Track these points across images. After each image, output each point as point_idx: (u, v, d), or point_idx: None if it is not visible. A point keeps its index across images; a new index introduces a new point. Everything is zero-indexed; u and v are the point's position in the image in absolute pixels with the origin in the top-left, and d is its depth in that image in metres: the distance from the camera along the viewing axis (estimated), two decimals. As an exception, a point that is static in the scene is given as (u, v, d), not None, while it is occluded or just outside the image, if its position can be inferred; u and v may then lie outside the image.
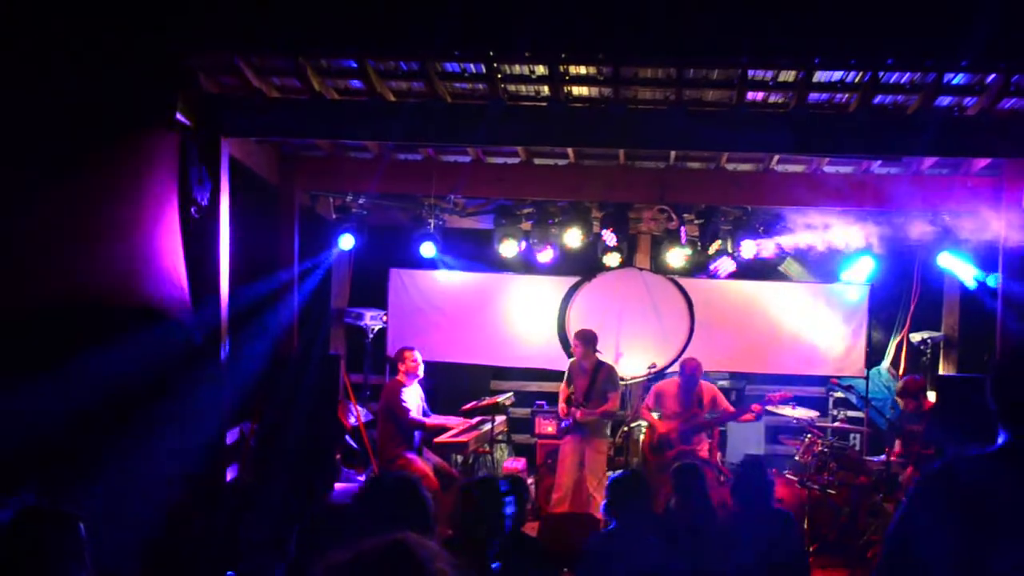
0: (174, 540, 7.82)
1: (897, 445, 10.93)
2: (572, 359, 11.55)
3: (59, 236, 7.65)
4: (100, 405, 7.40)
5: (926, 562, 3.49)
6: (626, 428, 12.14)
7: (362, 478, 11.37)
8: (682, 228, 11.92)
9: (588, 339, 11.27)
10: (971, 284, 11.71)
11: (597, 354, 11.31)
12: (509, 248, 12.47)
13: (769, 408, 11.43)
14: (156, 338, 8.31)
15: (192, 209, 8.97)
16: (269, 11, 8.02)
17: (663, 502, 10.54)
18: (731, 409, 11.39)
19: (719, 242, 12.18)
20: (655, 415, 11.23)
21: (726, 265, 12.30)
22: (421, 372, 11.13)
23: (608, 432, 11.47)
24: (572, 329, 12.96)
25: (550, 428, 12.21)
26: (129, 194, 8.40)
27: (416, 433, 10.85)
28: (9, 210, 7.18)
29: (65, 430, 7.02)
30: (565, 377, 11.55)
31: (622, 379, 12.53)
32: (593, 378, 11.17)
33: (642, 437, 11.44)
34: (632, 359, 12.94)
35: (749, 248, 11.88)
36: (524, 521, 7.21)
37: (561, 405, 11.31)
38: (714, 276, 12.93)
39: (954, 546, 3.38)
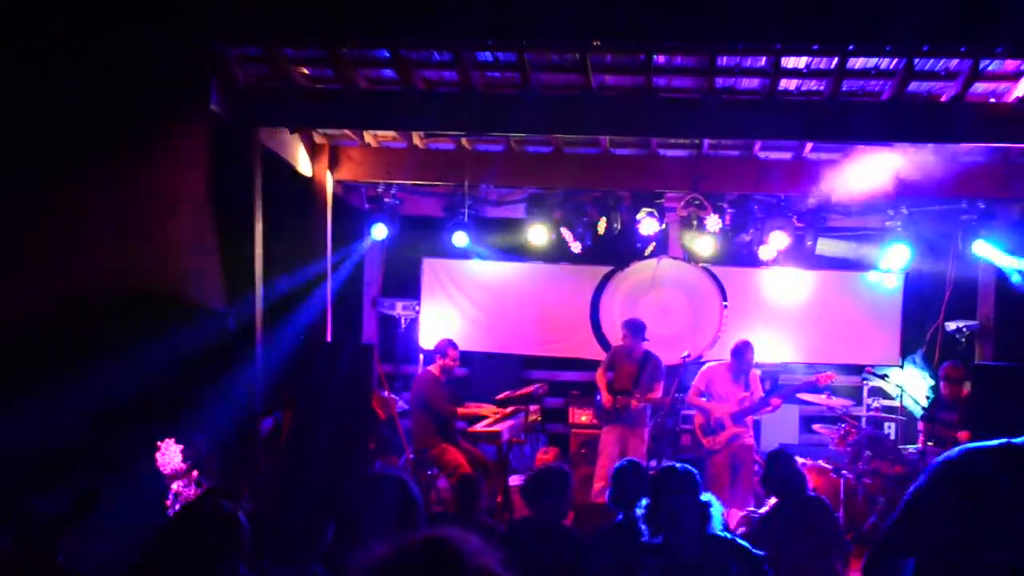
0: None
1: (923, 430, 10.86)
2: (615, 346, 11.56)
3: (93, 228, 7.70)
4: (135, 395, 7.46)
5: (925, 543, 3.48)
6: (659, 417, 12.10)
7: (399, 465, 11.40)
8: (714, 216, 11.86)
9: (637, 328, 11.28)
10: (1008, 272, 11.63)
11: (645, 343, 11.30)
12: (541, 237, 12.45)
13: (806, 394, 11.36)
14: (190, 327, 8.37)
15: (227, 199, 9.01)
16: (302, 1, 8.04)
17: (724, 484, 10.58)
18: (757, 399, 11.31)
19: (752, 230, 12.12)
20: (704, 399, 11.16)
21: (764, 253, 12.24)
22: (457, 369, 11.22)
23: (648, 420, 11.44)
24: (605, 318, 12.96)
25: (584, 417, 12.18)
26: (163, 184, 8.45)
27: (450, 422, 10.85)
28: (45, 204, 7.24)
29: (99, 421, 7.09)
30: (605, 363, 11.53)
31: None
32: (641, 366, 11.17)
33: (694, 417, 11.36)
34: (665, 347, 12.90)
35: (781, 239, 11.81)
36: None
37: (605, 395, 11.25)
38: (747, 264, 12.90)
39: (954, 532, 3.38)
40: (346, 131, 10.98)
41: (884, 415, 12.22)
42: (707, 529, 5.12)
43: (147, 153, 8.25)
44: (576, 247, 12.55)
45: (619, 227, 12.35)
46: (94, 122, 7.59)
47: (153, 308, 8.07)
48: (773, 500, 7.39)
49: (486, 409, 11.18)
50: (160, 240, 8.44)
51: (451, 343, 11.18)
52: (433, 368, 10.99)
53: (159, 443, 7.53)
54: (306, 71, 9.44)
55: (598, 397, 11.44)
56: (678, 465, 5.39)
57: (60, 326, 7.25)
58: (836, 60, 8.57)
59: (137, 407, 7.65)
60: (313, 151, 11.19)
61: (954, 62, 8.63)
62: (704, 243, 12.52)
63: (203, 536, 4.14)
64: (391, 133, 11.14)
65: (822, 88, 9.16)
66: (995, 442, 3.47)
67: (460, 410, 10.95)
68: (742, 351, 11.11)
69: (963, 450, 3.51)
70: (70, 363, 7.04)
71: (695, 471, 5.32)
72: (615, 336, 12.60)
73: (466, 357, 12.93)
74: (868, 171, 10.56)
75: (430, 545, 2.52)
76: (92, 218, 7.72)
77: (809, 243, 12.18)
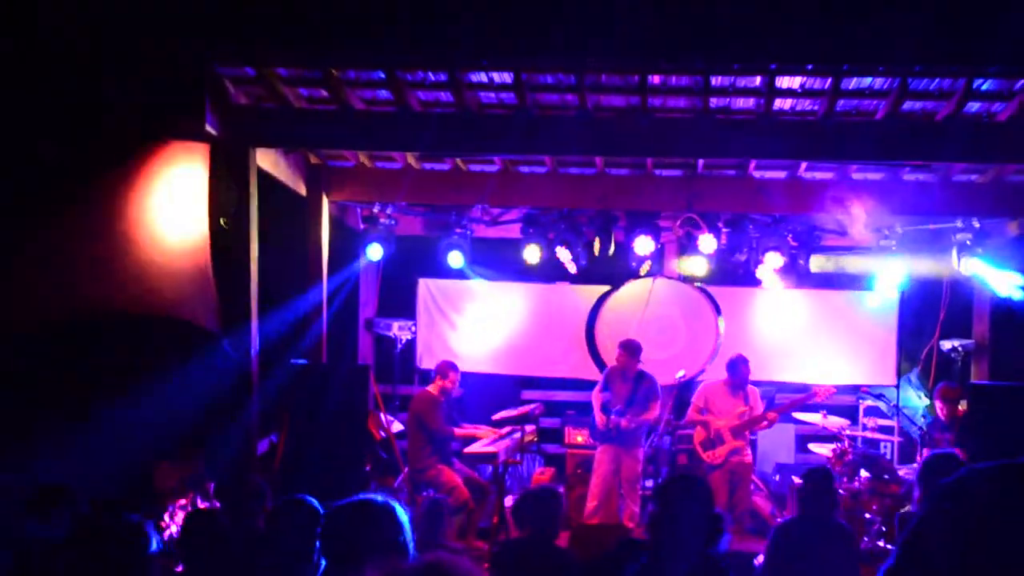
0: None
1: (925, 453, 10.83)
2: (610, 366, 11.56)
3: (85, 250, 7.70)
4: (130, 417, 7.46)
5: (932, 572, 3.45)
6: (655, 436, 12.09)
7: (395, 486, 11.37)
8: (709, 235, 11.87)
9: (633, 349, 11.28)
10: (1002, 291, 11.63)
11: (639, 364, 11.31)
12: (536, 257, 12.46)
13: (802, 413, 11.36)
14: (185, 348, 8.37)
15: (221, 220, 9.01)
16: (298, 22, 8.06)
17: (723, 500, 10.55)
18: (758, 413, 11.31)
19: (747, 250, 12.13)
20: (702, 415, 11.16)
21: (759, 272, 12.26)
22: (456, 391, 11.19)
23: (643, 441, 11.43)
24: (601, 338, 12.95)
25: (580, 438, 12.17)
26: (158, 205, 8.46)
27: (447, 443, 10.83)
28: (37, 226, 7.24)
29: (95, 443, 7.08)
30: (600, 384, 11.52)
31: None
32: (635, 387, 11.17)
33: (694, 434, 11.35)
34: (661, 367, 12.90)
35: (776, 258, 11.83)
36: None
37: (599, 415, 11.25)
38: (742, 283, 12.93)
39: (961, 559, 3.34)
40: (341, 152, 10.99)
41: (880, 435, 12.19)
42: (710, 548, 4.77)
43: (142, 174, 8.26)
44: (571, 267, 12.56)
45: (614, 247, 12.36)
46: (89, 143, 7.60)
47: (148, 330, 8.07)
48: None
49: (482, 431, 11.14)
50: (155, 262, 8.44)
51: (452, 365, 11.15)
52: (432, 388, 10.95)
53: (158, 463, 7.52)
54: (301, 92, 9.45)
55: (593, 417, 11.44)
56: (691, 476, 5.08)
57: (51, 349, 7.25)
58: (830, 80, 8.60)
59: (133, 429, 7.65)
60: (308, 171, 11.21)
61: (948, 81, 8.66)
62: (699, 263, 12.53)
63: (104, 550, 4.10)
64: (386, 153, 11.16)
65: (816, 108, 9.18)
66: (994, 463, 3.43)
67: (457, 431, 10.91)
68: (736, 364, 11.16)
69: (961, 473, 3.47)
70: (63, 386, 7.04)
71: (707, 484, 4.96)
72: (611, 356, 12.59)
73: (462, 377, 12.94)
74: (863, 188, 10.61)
75: (425, 569, 2.52)
76: (85, 240, 7.72)
77: (803, 262, 12.19)
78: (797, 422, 11.97)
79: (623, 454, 11.06)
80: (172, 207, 8.66)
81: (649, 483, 11.10)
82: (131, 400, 7.54)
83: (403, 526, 4.16)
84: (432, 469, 10.55)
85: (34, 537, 4.99)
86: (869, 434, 12.00)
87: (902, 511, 10.16)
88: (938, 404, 10.94)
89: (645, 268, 12.71)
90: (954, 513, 3.35)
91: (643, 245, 12.00)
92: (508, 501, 10.97)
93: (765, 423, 11.16)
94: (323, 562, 4.28)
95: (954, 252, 11.80)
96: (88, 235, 7.71)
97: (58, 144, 7.41)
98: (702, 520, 4.68)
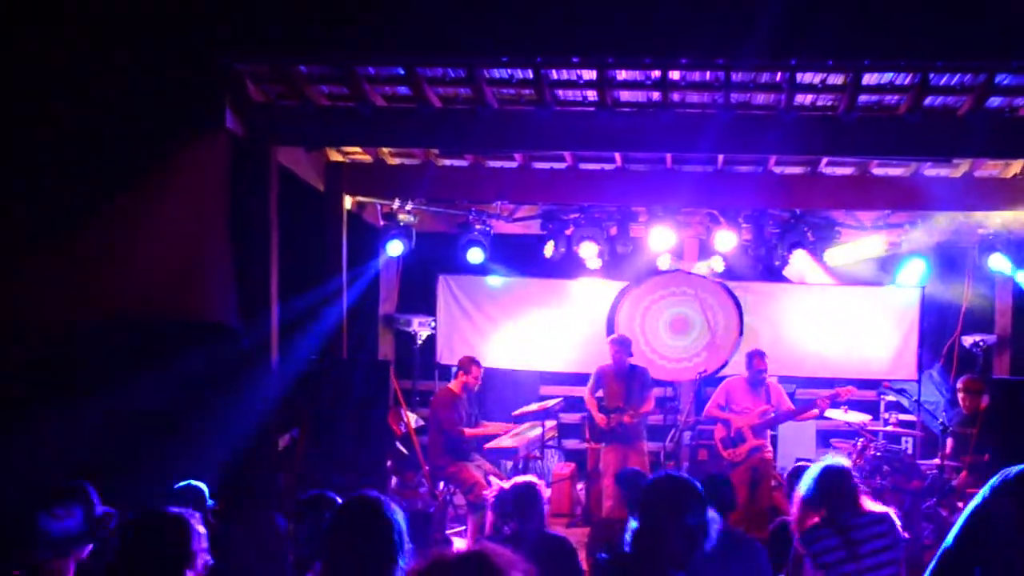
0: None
1: (948, 447, 10.77)
2: (600, 365, 11.54)
3: (108, 247, 7.72)
4: (151, 413, 7.48)
5: (986, 563, 3.44)
6: (676, 432, 12.08)
7: (416, 482, 11.38)
8: (729, 231, 11.85)
9: (625, 344, 11.30)
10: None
11: (630, 358, 11.32)
12: (556, 253, 12.47)
13: (829, 409, 11.30)
14: (206, 345, 8.38)
15: (242, 217, 9.04)
16: (317, 19, 8.07)
17: (743, 500, 10.50)
18: (791, 407, 11.22)
19: (767, 245, 12.11)
20: (723, 411, 11.10)
21: (780, 267, 12.25)
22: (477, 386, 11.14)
23: (644, 433, 11.42)
24: (621, 333, 12.95)
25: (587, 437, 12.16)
26: (179, 202, 8.47)
27: (463, 440, 10.79)
28: (66, 223, 7.26)
29: (113, 439, 7.10)
30: (591, 385, 11.52)
31: (668, 383, 12.54)
32: (629, 382, 11.16)
33: (715, 431, 11.28)
34: (681, 363, 12.90)
35: (797, 253, 11.82)
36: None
37: (599, 415, 11.24)
38: (763, 278, 12.92)
39: (1017, 551, 3.34)
40: (361, 148, 11.00)
41: (902, 430, 12.14)
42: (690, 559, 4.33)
43: (163, 171, 8.28)
44: (591, 263, 12.56)
45: (634, 243, 12.36)
46: (110, 140, 7.62)
47: (169, 326, 8.09)
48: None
49: (493, 427, 11.12)
50: (176, 258, 8.46)
51: (475, 361, 11.09)
52: (453, 385, 10.90)
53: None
54: (321, 89, 9.46)
55: (588, 418, 11.44)
56: (674, 475, 4.54)
57: (76, 345, 7.27)
58: (851, 75, 8.56)
59: (153, 425, 7.67)
60: (328, 168, 11.22)
61: (969, 76, 8.62)
62: (719, 258, 12.53)
63: (155, 545, 4.12)
64: (406, 150, 11.16)
65: (837, 103, 9.15)
66: None
67: (468, 432, 10.82)
68: (750, 358, 11.12)
69: (1021, 470, 3.48)
70: (85, 382, 7.07)
71: (695, 483, 4.44)
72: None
73: (483, 373, 12.96)
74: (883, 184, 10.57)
75: (467, 557, 2.55)
76: (108, 237, 7.74)
77: (825, 257, 12.17)
78: (818, 417, 11.93)
79: (628, 451, 11.04)
80: (193, 204, 8.68)
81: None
82: (147, 397, 7.56)
83: (395, 522, 4.17)
84: (451, 466, 10.53)
85: (49, 533, 4.99)
86: (891, 429, 11.96)
87: (925, 505, 10.16)
88: (961, 396, 10.88)
89: (665, 263, 12.70)
90: (1014, 504, 3.36)
91: (663, 240, 12.00)
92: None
93: (816, 411, 11.04)
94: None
95: (976, 248, 11.78)
96: (109, 234, 7.73)
97: (78, 142, 7.44)
98: (684, 533, 4.28)
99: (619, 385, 11.23)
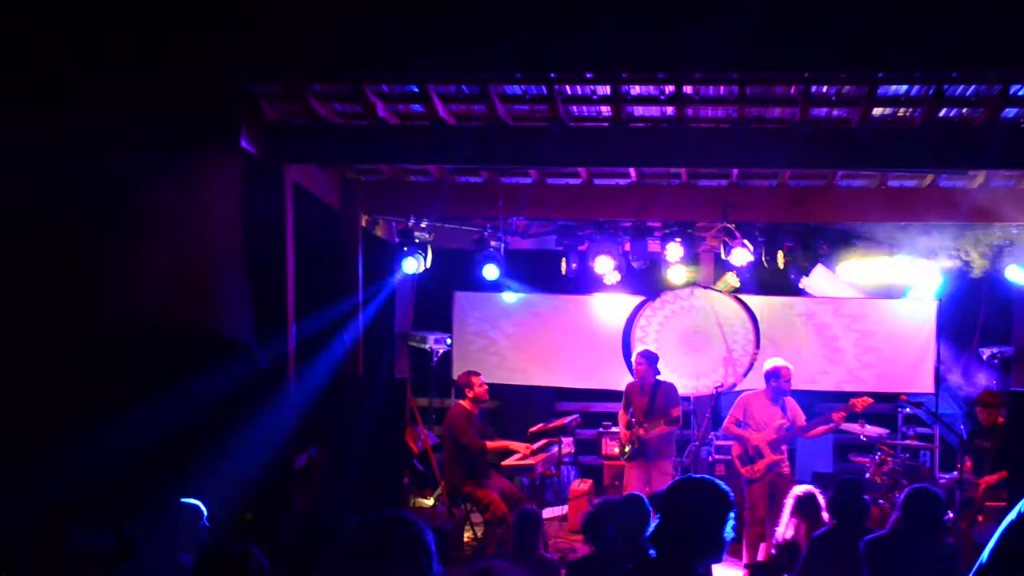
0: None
1: (968, 463, 10.71)
2: (629, 381, 11.50)
3: (122, 266, 7.73)
4: (168, 433, 7.48)
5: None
6: (694, 447, 12.05)
7: (430, 501, 11.38)
8: (745, 245, 11.83)
9: (651, 359, 11.24)
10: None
11: (658, 374, 11.26)
12: (572, 269, 12.47)
13: (845, 422, 11.21)
14: (222, 364, 8.39)
15: (257, 235, 9.05)
16: (331, 38, 8.08)
17: (761, 513, 10.43)
18: (804, 422, 11.06)
19: (783, 259, 12.07)
20: (740, 428, 10.96)
21: (796, 281, 12.24)
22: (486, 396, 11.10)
23: (674, 452, 11.37)
24: (637, 348, 12.93)
25: (617, 449, 12.12)
26: (194, 221, 8.49)
27: (481, 457, 10.76)
28: (78, 241, 7.28)
29: (134, 461, 7.11)
30: (623, 402, 11.49)
31: (686, 398, 12.50)
32: (653, 396, 11.11)
33: (732, 447, 11.18)
34: (698, 378, 12.88)
35: (812, 267, 11.81)
36: None
37: (623, 432, 11.21)
38: (779, 292, 12.91)
39: None
40: (375, 165, 11.02)
41: (920, 443, 12.10)
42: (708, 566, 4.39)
43: (178, 190, 8.30)
44: (607, 278, 12.56)
45: (649, 257, 12.37)
46: (125, 159, 7.64)
47: (185, 345, 8.10)
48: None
49: (515, 444, 11.09)
50: (192, 277, 8.48)
51: (473, 372, 11.08)
52: (464, 402, 10.89)
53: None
54: (335, 107, 9.48)
55: (602, 434, 11.43)
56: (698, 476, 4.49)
57: (92, 364, 7.28)
58: (865, 88, 8.56)
59: (170, 444, 7.67)
60: (343, 185, 11.24)
61: (983, 87, 8.60)
62: (734, 273, 12.52)
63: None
64: (420, 167, 11.18)
65: (852, 116, 9.13)
66: None
67: (490, 444, 10.84)
68: (778, 373, 10.81)
69: None
70: (103, 401, 7.07)
71: (722, 485, 4.35)
72: (647, 367, 12.65)
73: (499, 390, 12.95)
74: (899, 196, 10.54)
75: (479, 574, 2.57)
76: (122, 256, 7.76)
77: (841, 270, 12.16)
78: (835, 431, 11.89)
79: (652, 468, 10.98)
80: (207, 223, 8.70)
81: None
82: (164, 416, 7.57)
83: (430, 543, 4.15)
84: (467, 486, 10.52)
85: (79, 548, 5.01)
86: (909, 442, 11.91)
87: (945, 519, 10.09)
88: (978, 409, 10.82)
89: (681, 278, 12.70)
90: None
91: (679, 255, 11.99)
92: (547, 513, 10.97)
93: (831, 424, 10.86)
94: None
95: (992, 259, 11.75)
96: (123, 252, 7.74)
97: (93, 161, 7.45)
98: (702, 533, 4.26)
99: (643, 400, 11.18)
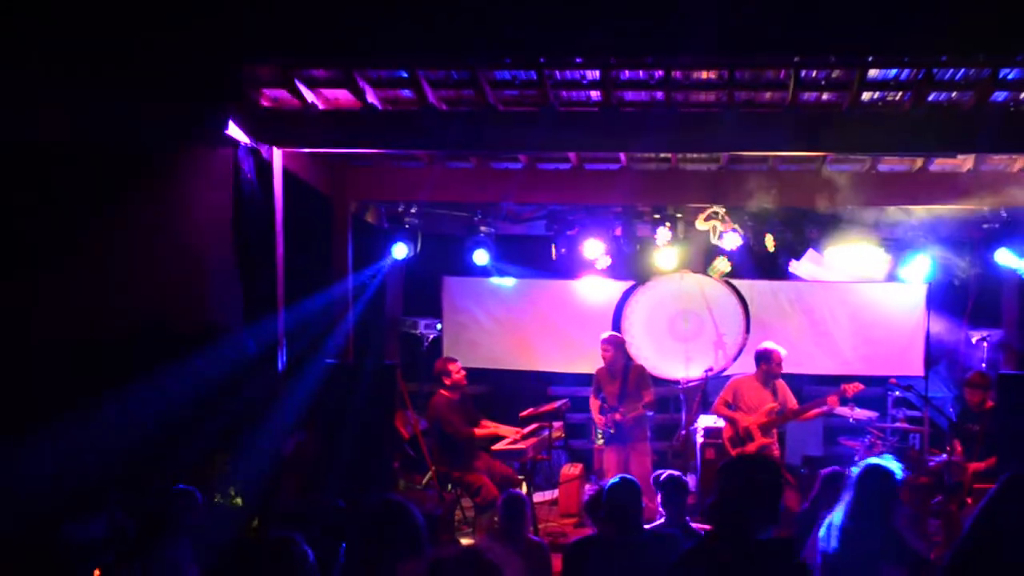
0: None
1: (957, 445, 10.72)
2: (597, 368, 11.51)
3: (112, 252, 7.72)
4: (158, 420, 7.48)
5: (1000, 559, 3.44)
6: (684, 431, 12.07)
7: (420, 486, 11.37)
8: (735, 229, 11.83)
9: (619, 343, 11.28)
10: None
11: (627, 358, 11.32)
12: (562, 254, 12.46)
13: (838, 406, 11.20)
14: (212, 350, 8.39)
15: (246, 221, 9.03)
16: (320, 24, 8.06)
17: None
18: (796, 405, 11.05)
19: (772, 243, 12.07)
20: (730, 410, 10.94)
21: (786, 265, 12.26)
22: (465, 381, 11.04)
23: (649, 434, 11.41)
24: (627, 333, 12.95)
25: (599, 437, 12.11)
26: (183, 208, 8.48)
27: (469, 444, 10.73)
28: (67, 232, 7.27)
29: (125, 447, 7.11)
30: (593, 390, 11.54)
31: (677, 382, 12.52)
32: (624, 380, 11.14)
33: (723, 430, 11.16)
34: (688, 362, 12.89)
35: (802, 251, 11.83)
36: None
37: (597, 417, 11.24)
38: (768, 276, 12.92)
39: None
40: (366, 151, 11.00)
41: (910, 426, 12.11)
42: (760, 535, 4.53)
43: (167, 176, 8.29)
44: (597, 263, 12.56)
45: (639, 242, 12.37)
46: (115, 144, 7.62)
47: (176, 332, 8.10)
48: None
49: (504, 429, 11.07)
50: (181, 263, 8.47)
51: (448, 359, 11.05)
52: (444, 391, 10.82)
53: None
54: (324, 92, 9.45)
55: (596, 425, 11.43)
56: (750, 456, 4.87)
57: (82, 351, 7.28)
58: (855, 72, 8.55)
59: (161, 431, 7.67)
60: (332, 171, 11.21)
61: (973, 71, 8.60)
62: (724, 257, 12.53)
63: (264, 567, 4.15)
64: (410, 152, 11.15)
65: (842, 100, 9.13)
66: None
67: (477, 431, 10.81)
68: (768, 356, 10.83)
69: None
70: (92, 389, 7.07)
71: (772, 462, 4.79)
72: (638, 351, 12.65)
73: (489, 375, 12.95)
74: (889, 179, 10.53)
75: (463, 555, 2.59)
76: (111, 242, 7.75)
77: (830, 254, 12.16)
78: (826, 414, 11.90)
79: (629, 452, 11.04)
80: (196, 209, 8.69)
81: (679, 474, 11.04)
82: (154, 403, 7.57)
83: (421, 526, 4.22)
84: (455, 471, 10.51)
85: (72, 540, 5.02)
86: (898, 425, 11.92)
87: (934, 501, 10.12)
88: (967, 391, 10.81)
89: (671, 262, 12.70)
90: (1018, 501, 3.36)
91: (669, 240, 12.00)
92: (537, 497, 10.98)
93: (825, 407, 10.81)
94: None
95: (982, 243, 11.77)
96: (114, 240, 7.73)
97: (83, 150, 7.43)
98: (758, 504, 4.52)
99: (613, 386, 11.21)
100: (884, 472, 5.88)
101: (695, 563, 4.54)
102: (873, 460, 5.99)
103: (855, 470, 6.03)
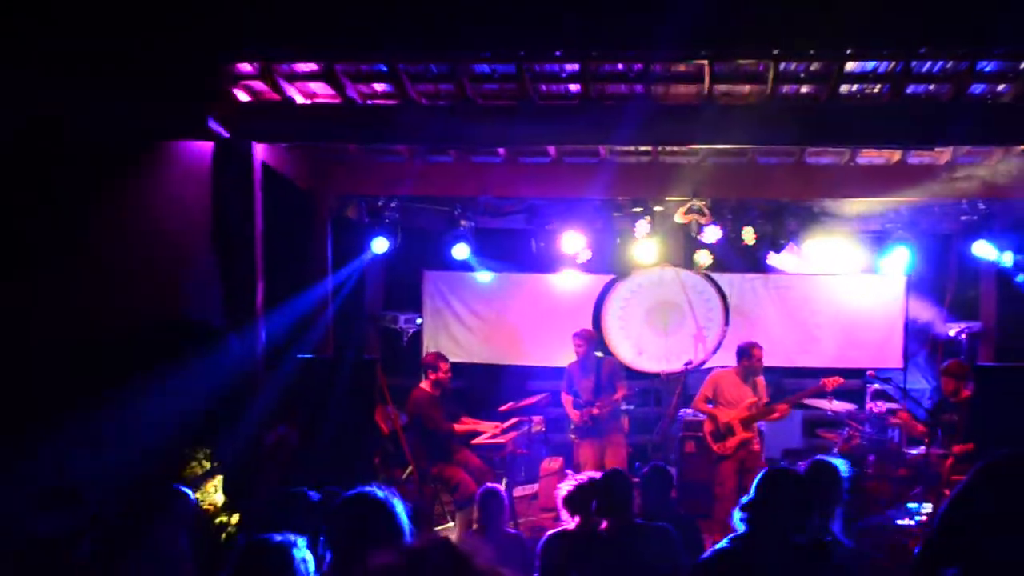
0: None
1: (934, 435, 10.74)
2: (569, 363, 11.49)
3: (89, 248, 7.69)
4: (138, 415, 7.45)
5: (976, 548, 3.45)
6: (664, 425, 12.09)
7: (401, 480, 11.36)
8: (715, 223, 11.85)
9: (590, 338, 11.28)
10: (1010, 273, 11.63)
11: (597, 352, 11.35)
12: (540, 247, 12.47)
13: (808, 400, 11.22)
14: (191, 345, 8.36)
15: (226, 216, 9.02)
16: (299, 17, 8.04)
17: (730, 490, 10.41)
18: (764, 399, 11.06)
19: (752, 236, 12.09)
20: (710, 405, 10.94)
21: (765, 258, 12.29)
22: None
23: (623, 426, 11.44)
24: (607, 327, 12.97)
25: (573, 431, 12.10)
26: (161, 202, 8.45)
27: (448, 440, 10.70)
28: (45, 232, 7.23)
29: (104, 443, 7.09)
30: (564, 384, 11.50)
31: (658, 375, 12.54)
32: (597, 375, 11.14)
33: (704, 424, 11.16)
34: (668, 355, 12.92)
35: (782, 244, 11.87)
36: None
37: (573, 412, 11.23)
38: (748, 269, 12.96)
39: (999, 539, 3.34)
40: (345, 145, 10.99)
41: (895, 420, 12.14)
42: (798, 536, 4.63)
43: (145, 171, 8.25)
44: (576, 256, 12.56)
45: (620, 235, 12.38)
46: (93, 138, 7.58)
47: (153, 327, 8.07)
48: None
49: (484, 424, 11.05)
50: (159, 258, 8.44)
51: (440, 356, 10.96)
52: (425, 385, 10.70)
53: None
54: (304, 86, 9.43)
55: (569, 419, 11.41)
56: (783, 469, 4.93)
57: (66, 353, 7.25)
58: (833, 65, 8.58)
59: (141, 426, 7.64)
60: (312, 165, 11.19)
61: (951, 64, 8.64)
62: (705, 250, 12.55)
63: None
64: (389, 146, 11.14)
65: (820, 92, 9.16)
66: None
67: (457, 427, 10.78)
68: (749, 352, 10.73)
69: (1006, 454, 3.49)
70: (75, 389, 7.04)
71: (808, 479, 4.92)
72: (618, 344, 12.68)
73: (468, 369, 12.94)
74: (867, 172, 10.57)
75: (434, 548, 2.59)
76: (88, 237, 7.71)
77: (810, 247, 12.20)
78: (804, 407, 11.94)
79: (605, 445, 11.05)
80: (174, 204, 8.66)
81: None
82: (139, 400, 7.54)
83: (401, 518, 4.24)
84: (434, 467, 10.49)
85: (40, 536, 4.99)
86: (878, 412, 11.93)
87: (912, 493, 10.15)
88: (944, 379, 10.80)
89: (651, 256, 12.71)
90: (997, 490, 3.37)
91: (648, 233, 12.01)
92: (516, 492, 10.98)
93: (776, 415, 10.86)
94: (328, 555, 4.31)
95: (960, 235, 11.82)
96: (92, 238, 7.70)
97: (60, 145, 7.39)
98: (794, 508, 4.64)
99: (587, 381, 11.20)
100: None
101: (726, 564, 4.58)
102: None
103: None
